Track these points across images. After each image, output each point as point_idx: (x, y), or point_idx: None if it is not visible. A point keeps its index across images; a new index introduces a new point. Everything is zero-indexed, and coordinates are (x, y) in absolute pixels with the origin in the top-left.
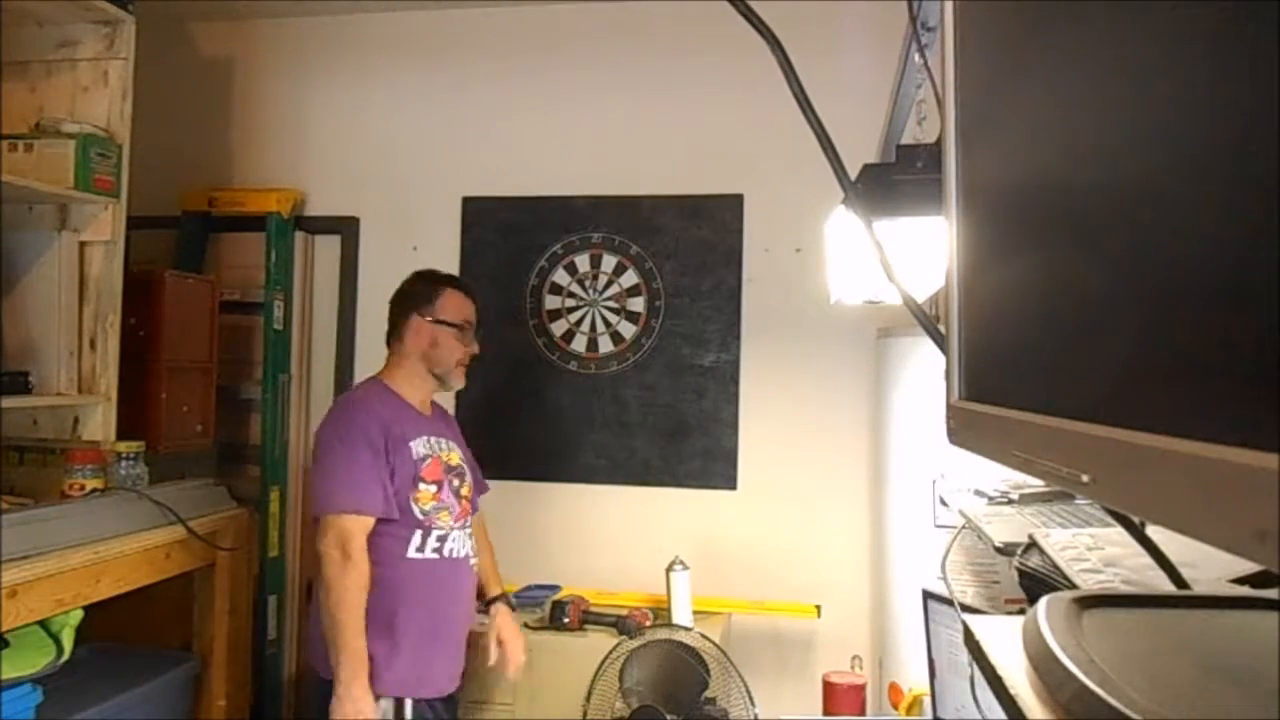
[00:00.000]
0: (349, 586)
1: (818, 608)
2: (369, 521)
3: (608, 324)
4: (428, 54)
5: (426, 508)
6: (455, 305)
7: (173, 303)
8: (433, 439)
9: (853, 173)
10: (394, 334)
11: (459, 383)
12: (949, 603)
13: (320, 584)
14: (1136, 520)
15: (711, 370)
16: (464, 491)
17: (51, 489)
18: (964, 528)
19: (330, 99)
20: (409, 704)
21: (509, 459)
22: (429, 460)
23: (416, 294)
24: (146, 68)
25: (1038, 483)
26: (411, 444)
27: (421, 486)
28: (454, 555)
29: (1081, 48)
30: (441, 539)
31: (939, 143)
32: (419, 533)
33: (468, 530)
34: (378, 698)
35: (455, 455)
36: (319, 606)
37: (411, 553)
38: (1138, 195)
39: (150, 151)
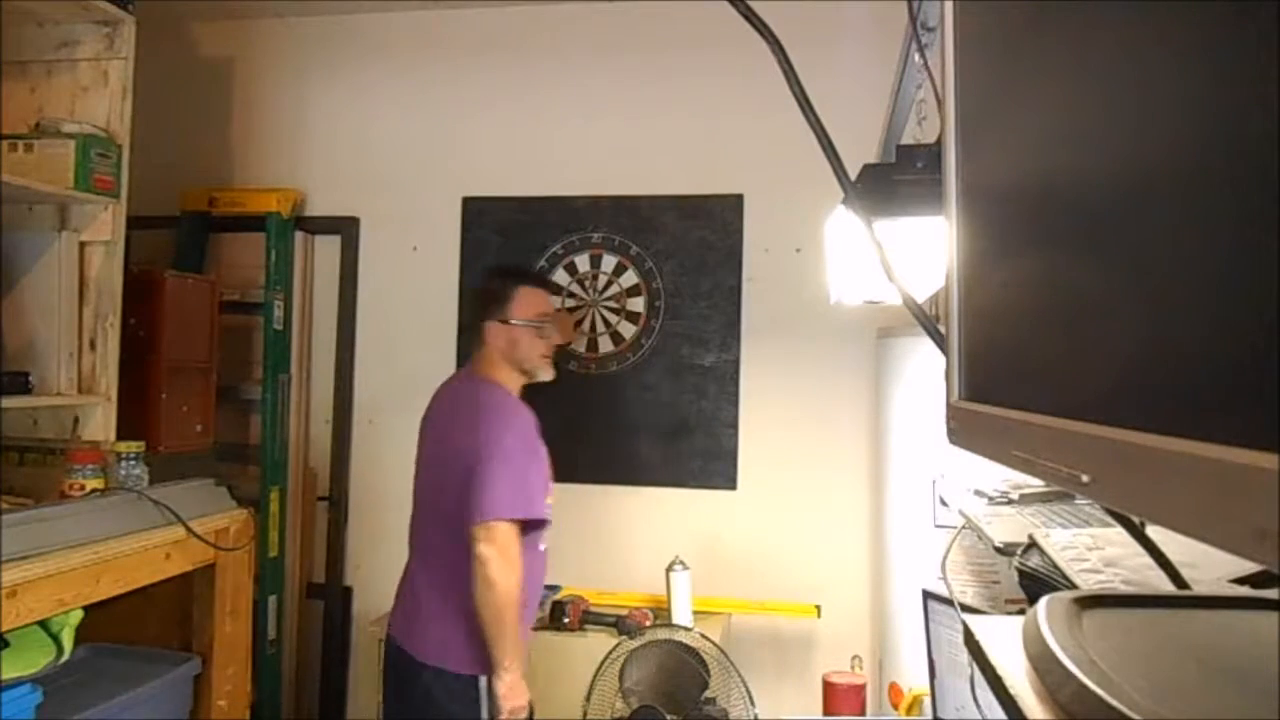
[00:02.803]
0: (515, 586)
1: (818, 608)
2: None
3: (608, 324)
4: (428, 54)
5: (550, 501)
6: (529, 303)
7: (173, 303)
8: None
9: (853, 173)
10: (476, 335)
11: (548, 374)
12: (949, 603)
13: (482, 584)
14: (1136, 520)
15: (711, 370)
16: None
17: (51, 489)
18: (964, 528)
19: (330, 99)
20: None
21: None
22: (548, 460)
23: (492, 296)
24: (146, 68)
25: (1038, 483)
26: (542, 448)
27: (550, 484)
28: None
29: (1081, 48)
30: (546, 530)
31: (939, 143)
32: (545, 528)
33: None
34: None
35: None
36: (469, 604)
37: (540, 547)
38: (1137, 195)
39: (150, 151)
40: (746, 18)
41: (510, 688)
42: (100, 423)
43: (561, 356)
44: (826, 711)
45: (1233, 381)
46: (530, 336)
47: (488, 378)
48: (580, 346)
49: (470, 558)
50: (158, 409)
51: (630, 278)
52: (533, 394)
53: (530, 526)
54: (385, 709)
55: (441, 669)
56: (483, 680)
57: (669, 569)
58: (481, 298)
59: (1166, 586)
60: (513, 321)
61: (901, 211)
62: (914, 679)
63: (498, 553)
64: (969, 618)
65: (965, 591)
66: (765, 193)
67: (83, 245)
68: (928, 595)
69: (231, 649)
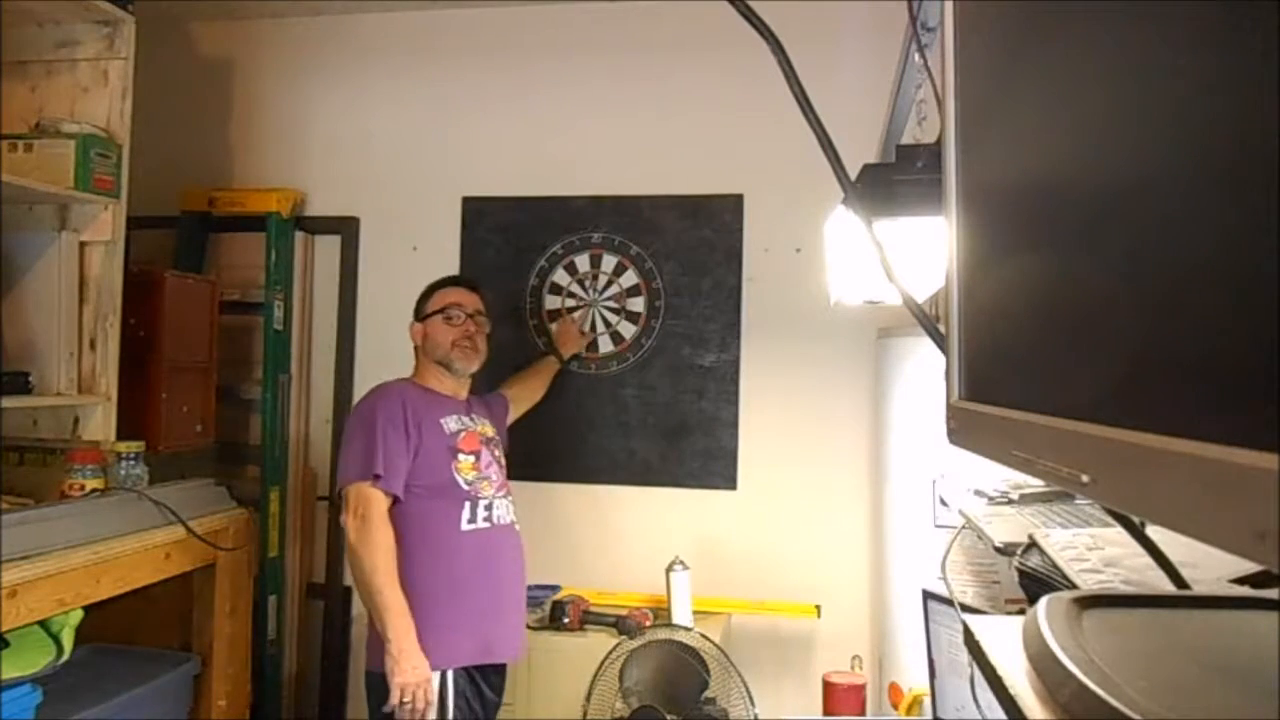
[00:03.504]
0: (375, 549)
1: (818, 608)
2: (383, 495)
3: (608, 324)
4: (427, 54)
5: (470, 477)
6: (439, 297)
7: (173, 303)
8: (464, 417)
9: (853, 173)
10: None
11: (464, 364)
12: (949, 603)
13: (347, 554)
14: (1136, 520)
15: (711, 370)
16: (502, 460)
17: (51, 489)
18: (964, 528)
19: (330, 99)
20: (450, 674)
21: (509, 459)
22: (463, 433)
23: (417, 305)
24: (146, 68)
25: (1038, 483)
26: (443, 420)
27: (460, 457)
28: (502, 522)
29: (1081, 47)
30: (489, 508)
31: (939, 143)
32: (468, 504)
33: (510, 498)
34: (445, 669)
35: (490, 429)
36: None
37: (465, 525)
38: (1137, 195)
39: (150, 151)
40: (746, 18)
41: (396, 660)
42: (100, 423)
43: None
44: (826, 711)
45: (1233, 381)
46: (437, 325)
47: (401, 377)
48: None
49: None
50: (158, 409)
51: (630, 278)
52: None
53: (451, 502)
54: None
55: (368, 670)
56: (449, 675)
57: (669, 569)
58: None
59: (1166, 586)
60: (426, 314)
61: (901, 211)
62: (914, 679)
63: (354, 519)
64: (969, 618)
65: (965, 591)
66: (765, 193)
67: (83, 245)
68: (928, 595)
69: (231, 649)
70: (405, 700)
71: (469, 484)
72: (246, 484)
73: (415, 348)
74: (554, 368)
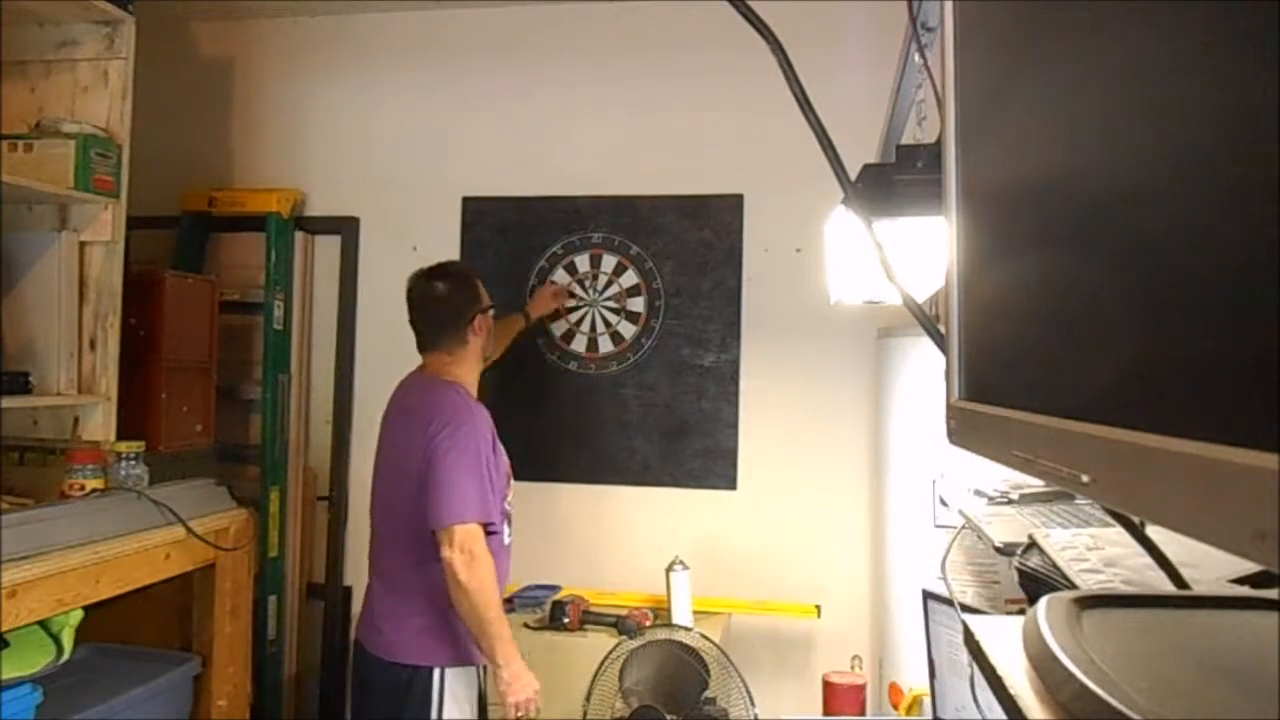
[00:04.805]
0: (488, 583)
1: (818, 608)
2: (482, 527)
3: (608, 324)
4: (428, 54)
5: (510, 496)
6: (484, 287)
7: (173, 303)
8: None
9: (853, 173)
10: (451, 337)
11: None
12: (949, 603)
13: (454, 588)
14: (1136, 520)
15: (711, 370)
16: None
17: (51, 489)
18: (964, 528)
19: (330, 99)
20: (477, 672)
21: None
22: (505, 457)
23: (470, 294)
24: (146, 68)
25: (1038, 483)
26: (499, 445)
27: (510, 480)
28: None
29: (1081, 48)
30: (512, 523)
31: (939, 143)
32: (508, 522)
33: None
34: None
35: None
36: (427, 597)
37: (506, 540)
38: (1137, 195)
39: (150, 151)
40: (746, 18)
41: (510, 682)
42: (100, 423)
43: (562, 356)
44: (826, 711)
45: (1232, 381)
46: (492, 321)
47: (450, 379)
48: (580, 346)
49: (429, 554)
50: (158, 409)
51: (630, 278)
52: (533, 394)
53: (503, 521)
54: (352, 709)
55: (396, 663)
56: (436, 672)
57: (669, 569)
58: (459, 299)
59: (1166, 586)
60: (488, 307)
61: (901, 211)
62: (914, 679)
63: (462, 555)
64: (969, 618)
65: (965, 591)
66: (765, 193)
67: (83, 245)
68: (928, 595)
69: (231, 649)
70: (520, 714)
71: (510, 503)
72: (246, 484)
73: (466, 342)
74: (518, 325)
